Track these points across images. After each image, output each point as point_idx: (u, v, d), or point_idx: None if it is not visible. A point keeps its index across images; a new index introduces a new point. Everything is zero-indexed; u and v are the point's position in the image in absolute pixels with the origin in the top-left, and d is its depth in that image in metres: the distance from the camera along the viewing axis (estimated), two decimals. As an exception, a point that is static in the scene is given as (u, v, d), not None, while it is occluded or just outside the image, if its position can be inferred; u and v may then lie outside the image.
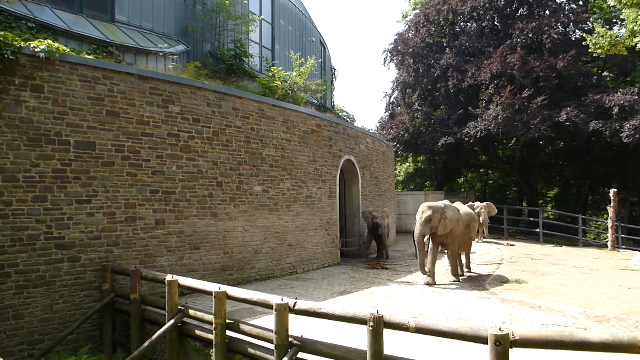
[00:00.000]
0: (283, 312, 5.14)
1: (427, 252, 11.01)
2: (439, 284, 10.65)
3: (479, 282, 11.08)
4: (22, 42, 7.49)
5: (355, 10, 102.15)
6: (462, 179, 35.83)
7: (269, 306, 5.34)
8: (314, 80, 17.26)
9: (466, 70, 24.06)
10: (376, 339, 4.47)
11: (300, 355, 5.18)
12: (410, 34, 28.27)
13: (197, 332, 6.49)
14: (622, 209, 24.02)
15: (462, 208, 11.66)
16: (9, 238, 7.20)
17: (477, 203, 20.00)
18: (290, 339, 5.18)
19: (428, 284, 10.57)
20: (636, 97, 20.43)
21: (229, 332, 5.92)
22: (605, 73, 26.90)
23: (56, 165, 7.69)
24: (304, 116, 12.77)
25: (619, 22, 24.97)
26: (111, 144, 8.36)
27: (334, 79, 26.03)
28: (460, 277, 11.47)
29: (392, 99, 30.67)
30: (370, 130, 26.35)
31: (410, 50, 27.21)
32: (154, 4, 12.83)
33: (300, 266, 12.44)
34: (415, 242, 10.83)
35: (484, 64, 23.17)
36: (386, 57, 29.65)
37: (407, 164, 36.05)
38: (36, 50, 7.44)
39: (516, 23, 23.77)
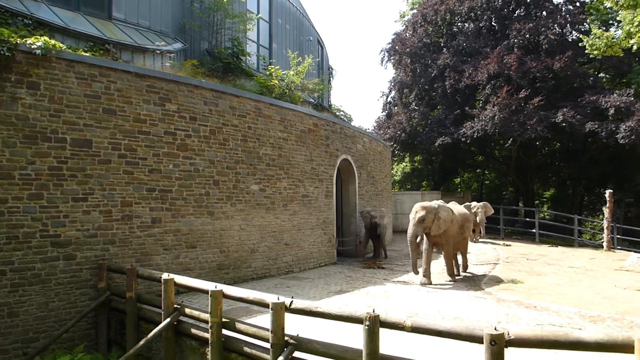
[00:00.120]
0: (279, 311, 5.14)
1: (422, 252, 11.03)
2: (435, 284, 10.67)
3: (474, 282, 11.11)
4: (18, 39, 7.45)
5: (353, 9, 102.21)
6: (459, 179, 35.90)
7: (265, 305, 5.34)
8: (311, 79, 17.25)
9: (463, 71, 24.10)
10: (372, 338, 4.48)
11: (297, 354, 5.18)
12: (407, 34, 28.29)
13: (193, 330, 6.47)
14: (617, 210, 24.10)
15: (457, 208, 11.66)
16: (5, 236, 7.17)
17: (474, 203, 20.06)
18: (286, 338, 5.18)
19: (424, 283, 10.58)
20: (632, 99, 20.51)
21: (225, 331, 5.91)
22: (601, 74, 27.00)
23: (52, 163, 7.67)
24: (301, 115, 12.76)
25: (616, 24, 25.11)
26: (108, 142, 8.34)
27: (331, 78, 26.04)
28: (457, 277, 11.49)
29: (389, 99, 30.68)
30: (368, 130, 26.37)
31: (408, 50, 27.23)
32: (151, 1, 12.81)
33: (297, 265, 12.44)
34: (408, 242, 10.82)
35: (481, 64, 23.21)
36: (384, 56, 29.66)
37: (404, 163, 36.10)
38: (33, 47, 7.41)
39: (513, 24, 23.82)
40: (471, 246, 17.11)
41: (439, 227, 10.53)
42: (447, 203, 11.79)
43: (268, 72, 14.38)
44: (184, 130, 9.57)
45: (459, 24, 27.80)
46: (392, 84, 29.88)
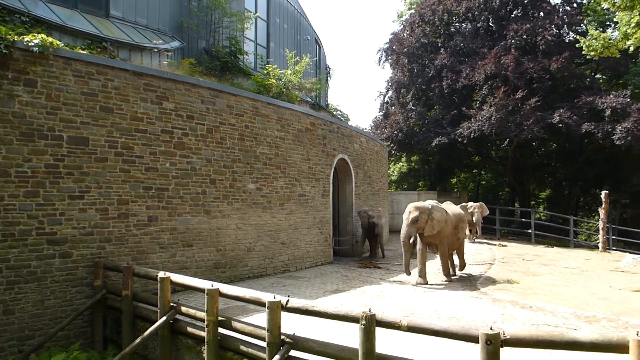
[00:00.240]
0: (275, 310, 5.14)
1: (417, 252, 11.03)
2: (431, 284, 10.69)
3: (470, 282, 11.13)
4: (15, 36, 7.43)
5: (351, 9, 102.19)
6: (455, 179, 35.97)
7: (262, 304, 5.34)
8: (308, 78, 17.26)
9: (460, 71, 24.15)
10: (368, 338, 4.48)
11: (293, 353, 5.18)
12: (405, 34, 28.32)
13: (189, 329, 6.47)
14: (613, 211, 24.22)
15: (451, 208, 11.63)
16: (1, 233, 7.15)
17: (470, 203, 20.12)
18: (282, 337, 5.18)
19: (420, 283, 10.59)
20: (628, 100, 20.61)
21: (221, 330, 5.90)
22: (598, 75, 27.11)
23: (49, 161, 7.64)
24: (298, 114, 12.76)
25: (613, 25, 25.19)
26: (104, 140, 8.32)
27: (328, 78, 26.04)
28: (453, 277, 11.50)
29: (386, 99, 30.72)
30: (365, 130, 26.39)
31: (405, 50, 27.26)
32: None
33: (293, 264, 12.45)
34: (402, 243, 10.81)
35: (478, 64, 23.26)
36: (381, 56, 29.71)
37: (400, 163, 36.14)
38: (30, 44, 7.39)
39: (511, 24, 23.88)
40: (467, 246, 17.13)
41: (432, 227, 10.51)
42: (442, 203, 11.80)
43: (265, 71, 14.37)
44: (181, 128, 9.56)
45: (457, 24, 27.85)
46: (390, 83, 29.91)
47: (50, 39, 7.71)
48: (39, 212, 7.51)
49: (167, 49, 12.15)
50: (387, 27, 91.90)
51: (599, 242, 19.95)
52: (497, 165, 29.44)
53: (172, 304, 6.74)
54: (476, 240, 20.26)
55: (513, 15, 25.56)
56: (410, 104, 28.32)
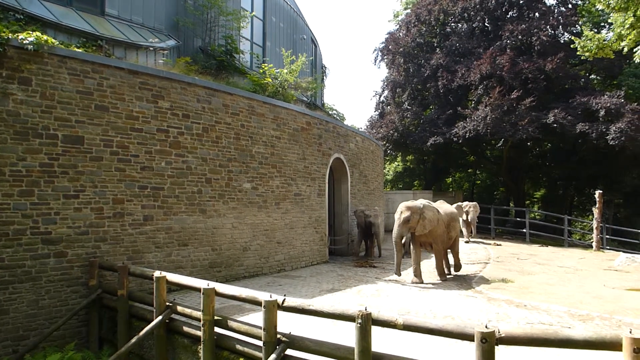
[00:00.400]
0: (272, 309, 5.15)
1: (411, 252, 11.05)
2: (426, 283, 10.72)
3: (465, 281, 11.17)
4: (10, 34, 7.38)
5: (347, 8, 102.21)
6: (451, 178, 36.07)
7: (258, 303, 5.34)
8: (304, 78, 17.25)
9: (456, 71, 24.21)
10: (364, 336, 4.50)
11: (289, 352, 5.19)
12: (401, 34, 28.37)
13: (185, 328, 6.47)
14: (607, 211, 24.36)
15: (443, 207, 11.58)
16: (-5, 232, 7.12)
17: (465, 202, 20.20)
18: (278, 336, 5.19)
19: (415, 282, 10.62)
20: (622, 100, 20.75)
21: (217, 329, 5.90)
22: (592, 76, 27.25)
23: (43, 160, 7.61)
24: (294, 114, 12.76)
25: (607, 26, 25.31)
26: (100, 138, 8.29)
27: (324, 77, 26.06)
28: (448, 276, 11.52)
29: (382, 98, 30.77)
30: (360, 129, 26.39)
31: (401, 49, 27.30)
32: (144, -2, 12.74)
33: (289, 264, 12.45)
34: (393, 242, 10.81)
35: (474, 64, 23.34)
36: (377, 56, 29.75)
37: (396, 163, 36.20)
38: (24, 42, 7.34)
39: (506, 25, 23.96)
40: (462, 246, 17.21)
41: (424, 227, 10.49)
42: (435, 202, 11.81)
43: (261, 70, 14.36)
44: (177, 127, 9.54)
45: (452, 24, 27.93)
46: (385, 83, 29.96)
47: (45, 37, 7.68)
48: (33, 211, 7.48)
49: (162, 48, 12.12)
50: (383, 26, 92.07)
51: (592, 242, 20.07)
52: (492, 165, 29.55)
53: (168, 304, 6.73)
54: (471, 239, 20.32)
55: (509, 16, 25.65)
56: (406, 103, 28.38)
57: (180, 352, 6.55)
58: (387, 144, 27.69)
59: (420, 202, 10.88)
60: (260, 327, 5.26)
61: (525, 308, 8.26)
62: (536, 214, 29.52)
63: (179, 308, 6.64)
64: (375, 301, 8.63)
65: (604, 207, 21.15)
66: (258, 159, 11.43)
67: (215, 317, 5.90)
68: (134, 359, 7.18)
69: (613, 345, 3.57)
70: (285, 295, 5.33)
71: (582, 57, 16.19)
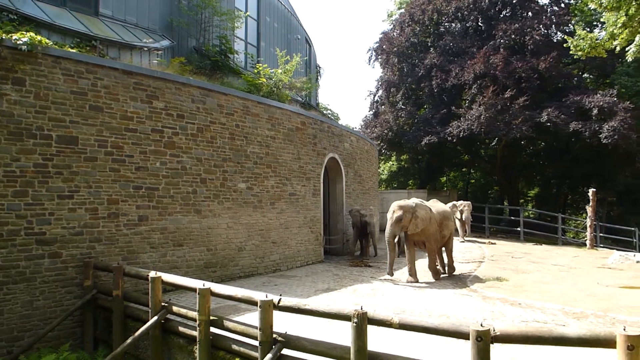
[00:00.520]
0: (267, 309, 5.15)
1: (406, 251, 11.06)
2: (422, 282, 10.75)
3: (460, 280, 11.22)
4: (3, 34, 7.35)
5: (341, 8, 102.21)
6: (445, 177, 36.17)
7: (254, 303, 5.35)
8: (299, 77, 17.24)
9: (450, 70, 24.27)
10: (360, 335, 4.52)
11: (285, 351, 5.19)
12: (395, 33, 28.40)
13: (181, 328, 6.46)
14: (600, 209, 24.51)
15: (436, 206, 11.54)
16: (-11, 233, 7.08)
17: (460, 202, 20.27)
18: (274, 336, 5.20)
19: (410, 282, 10.65)
20: (615, 99, 20.87)
21: (213, 329, 5.90)
22: (585, 75, 27.41)
23: (38, 160, 7.58)
24: (289, 114, 12.76)
25: (600, 25, 25.48)
26: (94, 139, 8.26)
27: (318, 77, 26.05)
28: (442, 275, 11.53)
29: (376, 98, 30.79)
30: (355, 129, 26.45)
31: (395, 49, 27.34)
32: (138, -2, 12.70)
33: (284, 263, 12.45)
34: (386, 242, 10.82)
35: (468, 64, 23.40)
36: (371, 55, 29.77)
37: (390, 162, 36.26)
38: (18, 42, 7.30)
39: (499, 24, 24.05)
40: (457, 245, 17.24)
41: (416, 226, 10.50)
42: (428, 201, 11.84)
43: (256, 70, 14.35)
44: (172, 128, 9.52)
45: (446, 23, 28.00)
46: (380, 83, 29.98)
47: (38, 37, 7.64)
48: (27, 211, 7.44)
49: (157, 48, 12.09)
50: (377, 26, 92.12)
51: (586, 240, 20.19)
52: (486, 164, 29.66)
53: (163, 304, 6.72)
54: (466, 238, 20.39)
55: (502, 15, 25.74)
56: (400, 103, 28.41)
57: (176, 352, 6.55)
58: (382, 144, 27.71)
59: (413, 201, 10.90)
60: (256, 327, 5.26)
61: (520, 306, 8.31)
62: (530, 212, 29.66)
63: (175, 308, 6.63)
64: (370, 300, 8.65)
65: (598, 205, 21.28)
66: (253, 159, 11.42)
67: (211, 317, 5.89)
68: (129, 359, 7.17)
69: (607, 342, 3.60)
70: (281, 295, 5.34)
71: (575, 56, 16.26)
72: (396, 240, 10.80)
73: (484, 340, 3.87)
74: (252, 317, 6.02)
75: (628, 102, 21.15)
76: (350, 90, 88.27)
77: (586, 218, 20.61)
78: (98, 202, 8.30)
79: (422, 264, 12.55)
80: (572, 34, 19.18)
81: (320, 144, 14.16)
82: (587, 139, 21.00)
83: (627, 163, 23.26)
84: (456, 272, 12.09)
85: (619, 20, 11.19)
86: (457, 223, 19.54)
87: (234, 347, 5.70)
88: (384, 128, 26.79)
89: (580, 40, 12.42)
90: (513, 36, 23.64)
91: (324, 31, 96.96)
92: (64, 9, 10.85)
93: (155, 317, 6.58)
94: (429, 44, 27.68)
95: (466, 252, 16.50)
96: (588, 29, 24.15)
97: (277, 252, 12.22)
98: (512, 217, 25.48)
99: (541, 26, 23.86)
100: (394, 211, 10.59)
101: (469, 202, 20.46)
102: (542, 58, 22.09)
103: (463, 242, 19.63)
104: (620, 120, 19.94)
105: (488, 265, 13.66)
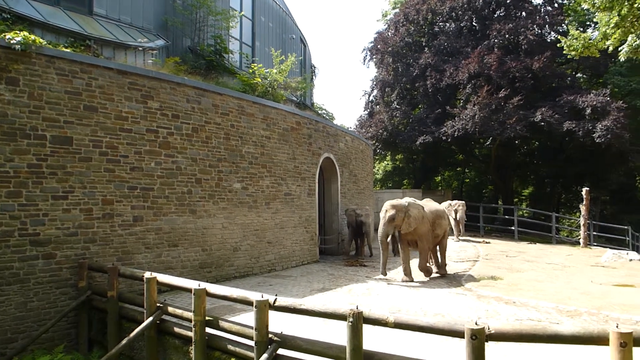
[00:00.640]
0: (263, 309, 5.15)
1: (400, 250, 11.06)
2: (417, 281, 10.78)
3: (455, 279, 11.25)
4: (-4, 34, 7.32)
5: (336, 8, 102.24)
6: (440, 177, 36.27)
7: (249, 303, 5.34)
8: (294, 77, 17.25)
9: (444, 70, 24.34)
10: (356, 334, 4.52)
11: (281, 351, 5.20)
12: (389, 33, 28.45)
13: (176, 329, 6.45)
14: (594, 208, 24.63)
15: (429, 205, 11.50)
16: (-18, 234, 7.04)
17: (455, 201, 20.34)
18: (270, 336, 5.20)
19: (405, 281, 10.67)
20: (608, 99, 21.01)
21: (208, 329, 5.89)
22: (579, 74, 27.57)
23: (32, 160, 7.53)
24: (284, 114, 12.76)
25: (593, 25, 25.62)
26: (89, 139, 8.22)
27: (313, 77, 26.07)
28: (433, 273, 11.47)
29: (371, 98, 30.83)
30: (350, 129, 26.46)
31: (390, 49, 27.38)
32: (132, -3, 12.66)
33: (279, 264, 12.45)
34: (379, 241, 10.82)
35: (462, 64, 23.48)
36: (366, 55, 29.80)
37: (385, 162, 36.32)
38: (12, 42, 7.25)
39: (494, 24, 24.14)
40: (451, 244, 17.31)
41: (409, 225, 10.49)
42: (422, 200, 11.84)
43: (251, 70, 14.34)
44: (166, 128, 9.49)
45: (441, 23, 28.06)
46: (374, 82, 30.01)
47: (32, 37, 7.59)
48: (21, 212, 7.40)
49: (151, 48, 12.06)
50: (372, 26, 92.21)
51: (580, 238, 20.30)
52: (481, 164, 29.77)
53: (158, 305, 6.70)
54: (460, 237, 20.45)
55: (496, 15, 25.84)
56: (395, 102, 28.46)
57: (172, 353, 6.54)
58: (377, 143, 27.75)
59: (406, 200, 10.91)
60: (251, 327, 5.26)
61: (514, 305, 8.34)
62: (524, 211, 29.78)
63: (170, 309, 6.62)
64: (366, 300, 8.67)
65: (591, 204, 21.40)
66: (248, 159, 11.41)
67: (207, 318, 5.88)
68: (124, 361, 7.15)
69: (600, 340, 3.63)
70: (276, 295, 5.35)
71: (568, 56, 16.36)
72: (389, 239, 10.80)
73: (478, 339, 3.88)
74: (248, 317, 6.01)
75: (621, 102, 21.32)
76: (345, 90, 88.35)
77: (580, 217, 20.73)
78: (93, 202, 8.26)
79: (416, 264, 12.56)
80: (565, 33, 19.27)
81: (315, 144, 14.16)
82: (581, 138, 21.12)
83: (620, 162, 23.43)
84: (451, 272, 12.11)
85: (611, 20, 11.26)
86: (452, 222, 19.60)
87: (230, 347, 5.69)
88: (378, 128, 26.83)
89: (574, 40, 12.49)
90: (507, 36, 23.74)
91: (319, 31, 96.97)
92: (57, 8, 10.80)
93: (151, 318, 6.56)
94: (424, 44, 27.74)
95: (461, 251, 16.55)
96: (581, 29, 24.23)
97: (273, 252, 12.21)
98: (507, 216, 25.59)
99: (535, 26, 23.96)
100: (386, 210, 10.60)
101: (463, 201, 20.54)
102: (535, 58, 22.19)
103: (457, 241, 19.69)
104: (613, 119, 20.07)
105: (482, 264, 13.71)
